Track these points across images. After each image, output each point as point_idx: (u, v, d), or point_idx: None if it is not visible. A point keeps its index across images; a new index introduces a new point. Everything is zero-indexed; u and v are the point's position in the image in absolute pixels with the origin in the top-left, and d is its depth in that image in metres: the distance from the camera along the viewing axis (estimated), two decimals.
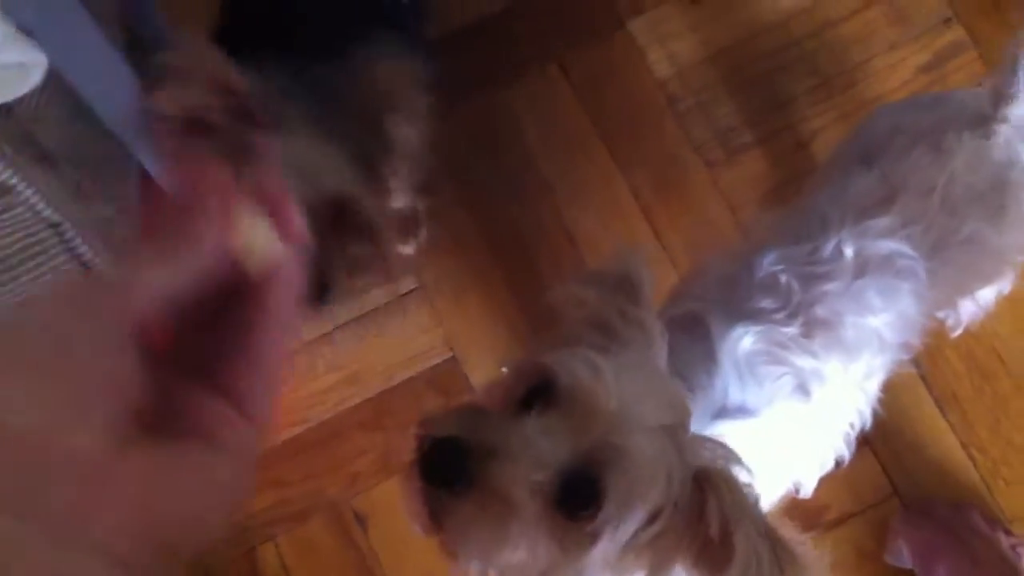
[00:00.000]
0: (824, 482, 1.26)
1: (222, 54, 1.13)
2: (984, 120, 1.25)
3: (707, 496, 0.85)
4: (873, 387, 1.24)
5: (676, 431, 0.89)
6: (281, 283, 0.53)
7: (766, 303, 1.15)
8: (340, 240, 1.25)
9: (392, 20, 1.39)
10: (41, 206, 1.03)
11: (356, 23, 1.30)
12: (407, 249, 1.81)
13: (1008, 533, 1.68)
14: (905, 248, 1.18)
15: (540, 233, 1.87)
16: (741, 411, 1.08)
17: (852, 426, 1.24)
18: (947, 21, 1.94)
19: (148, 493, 0.45)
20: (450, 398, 1.79)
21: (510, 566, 0.86)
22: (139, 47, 1.21)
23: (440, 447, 0.82)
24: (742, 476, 0.88)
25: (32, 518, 0.41)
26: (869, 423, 1.25)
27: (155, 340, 0.49)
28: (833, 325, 1.15)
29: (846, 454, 1.25)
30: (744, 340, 1.10)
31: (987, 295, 1.49)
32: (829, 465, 1.25)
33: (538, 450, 0.83)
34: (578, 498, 0.84)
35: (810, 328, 1.14)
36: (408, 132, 1.28)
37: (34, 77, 1.00)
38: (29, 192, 1.01)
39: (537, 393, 0.89)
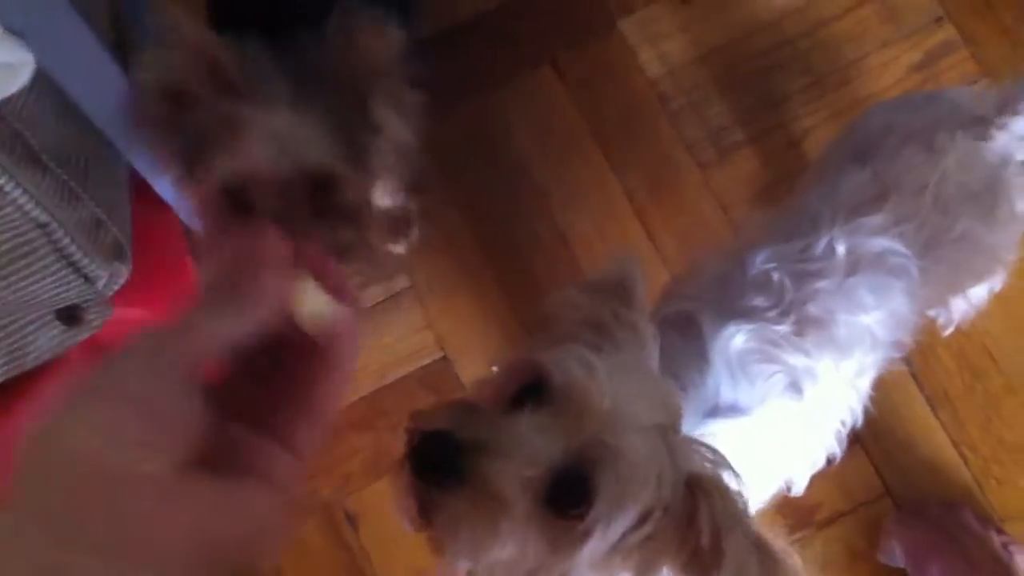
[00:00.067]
0: (816, 481, 1.26)
1: (204, 25, 1.13)
2: (980, 122, 1.25)
3: (698, 502, 0.84)
4: (865, 385, 1.24)
5: (668, 432, 0.89)
6: (340, 343, 0.60)
7: (758, 301, 1.15)
8: (324, 222, 1.24)
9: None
10: (29, 206, 1.02)
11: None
12: (399, 248, 1.81)
13: (1000, 532, 1.68)
14: (897, 246, 1.18)
15: (532, 233, 1.87)
16: (733, 410, 1.08)
17: (844, 424, 1.24)
18: (939, 20, 1.94)
19: (205, 518, 0.51)
20: (442, 398, 1.79)
21: (499, 564, 0.85)
22: (128, 47, 1.21)
23: (431, 441, 0.81)
24: (731, 482, 0.88)
25: (98, 536, 0.48)
26: (860, 421, 1.26)
27: (215, 380, 0.58)
28: (825, 323, 1.15)
29: (838, 452, 1.25)
30: (736, 338, 1.10)
31: (979, 293, 1.50)
32: (821, 463, 1.25)
33: (530, 447, 0.83)
34: (569, 496, 0.83)
35: (802, 326, 1.14)
36: (395, 104, 1.27)
37: (22, 77, 1.00)
38: (17, 192, 1.00)
39: (529, 391, 0.89)
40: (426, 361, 1.83)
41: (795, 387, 1.12)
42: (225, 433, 0.56)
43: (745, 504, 0.87)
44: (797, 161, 1.89)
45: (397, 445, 0.86)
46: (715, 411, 1.09)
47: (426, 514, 0.83)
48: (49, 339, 1.18)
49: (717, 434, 1.02)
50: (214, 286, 0.57)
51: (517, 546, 0.83)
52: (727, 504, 0.85)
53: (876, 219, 1.19)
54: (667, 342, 0.99)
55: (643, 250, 1.85)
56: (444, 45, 1.90)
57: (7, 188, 1.00)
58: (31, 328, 1.16)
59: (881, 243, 1.18)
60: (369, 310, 1.83)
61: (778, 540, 0.87)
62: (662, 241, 1.86)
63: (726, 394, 1.08)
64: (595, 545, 0.83)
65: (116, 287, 1.21)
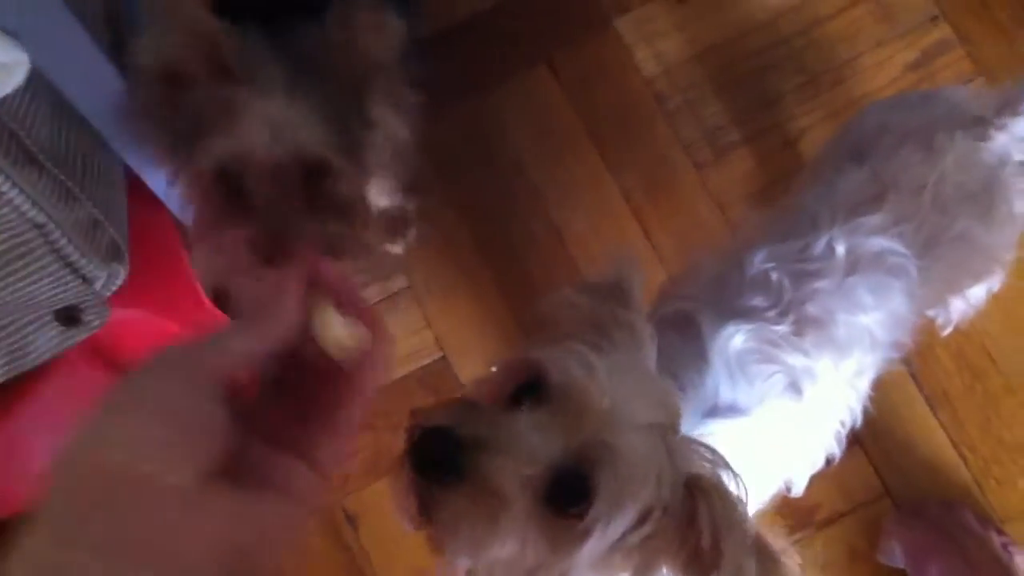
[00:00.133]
0: (815, 481, 1.26)
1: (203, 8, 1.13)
2: (979, 122, 1.25)
3: (698, 502, 0.84)
4: (864, 385, 1.24)
5: (666, 432, 0.89)
6: (363, 369, 0.64)
7: (757, 301, 1.15)
8: (316, 213, 1.24)
9: None
10: (26, 207, 1.02)
11: None
12: (396, 248, 1.81)
13: (1000, 532, 1.68)
14: (896, 245, 1.18)
15: (529, 232, 1.87)
16: (732, 410, 1.07)
17: (843, 424, 1.24)
18: (934, 19, 1.94)
19: (227, 528, 0.54)
20: (441, 398, 1.79)
21: (498, 562, 0.85)
22: (124, 47, 1.21)
23: (431, 437, 0.81)
24: (731, 483, 0.88)
25: (122, 545, 0.50)
26: (860, 421, 1.25)
27: (241, 397, 0.60)
28: (824, 323, 1.15)
29: (837, 452, 1.25)
30: (735, 338, 1.10)
31: (977, 293, 1.50)
32: (820, 463, 1.25)
33: (529, 445, 0.83)
34: (568, 495, 0.83)
35: (801, 326, 1.14)
36: (393, 101, 1.26)
37: (17, 77, 0.99)
38: (13, 193, 1.00)
39: (527, 389, 0.89)
40: (425, 361, 1.83)
41: (794, 387, 1.12)
42: (248, 447, 0.58)
43: (744, 505, 0.87)
44: (793, 161, 1.89)
45: (397, 445, 0.86)
46: (714, 411, 1.08)
47: (426, 511, 0.83)
48: (48, 340, 1.18)
49: (716, 434, 1.02)
50: (241, 310, 0.60)
51: (517, 544, 0.83)
52: (726, 505, 0.85)
53: (875, 219, 1.19)
54: (665, 342, 0.99)
55: (640, 249, 1.85)
56: (440, 45, 1.90)
57: (3, 189, 0.99)
58: (30, 329, 1.15)
59: (880, 243, 1.18)
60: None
61: (778, 540, 0.87)
62: (658, 240, 1.86)
63: (725, 394, 1.08)
64: (594, 544, 0.82)
65: (114, 288, 1.20)
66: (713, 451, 0.91)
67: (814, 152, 1.77)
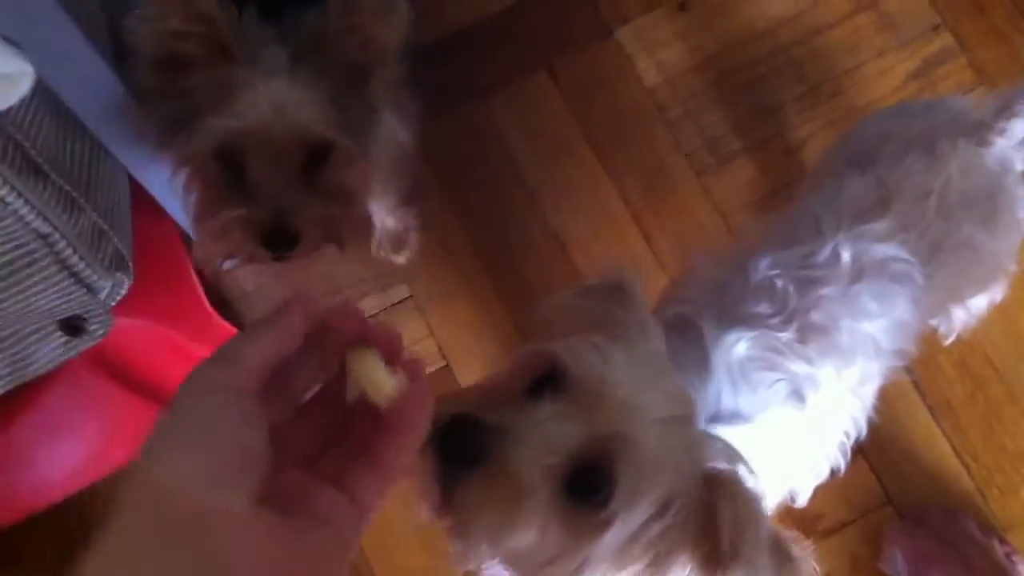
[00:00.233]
0: (818, 491, 1.26)
1: None
2: (979, 128, 1.26)
3: (716, 496, 0.85)
4: (869, 394, 1.24)
5: (683, 423, 0.89)
6: (406, 413, 0.64)
7: (761, 308, 1.15)
8: (319, 195, 1.24)
9: None
10: (31, 217, 1.02)
11: None
12: (400, 260, 1.81)
13: (1002, 541, 1.68)
14: (901, 252, 1.18)
15: (528, 238, 1.88)
16: (735, 417, 1.07)
17: (847, 434, 1.23)
18: (936, 28, 1.94)
19: (283, 554, 0.55)
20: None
21: (518, 550, 0.85)
22: (126, 57, 1.21)
23: (456, 423, 0.81)
24: (747, 477, 0.88)
25: (187, 565, 0.51)
26: (864, 431, 1.25)
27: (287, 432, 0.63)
28: (828, 330, 1.14)
29: (841, 463, 1.25)
30: (738, 346, 1.10)
31: (980, 303, 1.49)
32: (824, 474, 1.24)
33: (550, 435, 0.83)
34: (588, 485, 0.83)
35: (805, 333, 1.13)
36: (395, 82, 1.26)
37: (22, 88, 0.99)
38: (18, 203, 1.00)
39: (545, 381, 0.88)
40: (429, 370, 1.82)
41: (797, 395, 1.11)
42: (285, 473, 0.60)
43: (762, 500, 0.87)
44: (794, 169, 1.90)
45: None
46: (716, 418, 1.08)
47: (448, 498, 0.83)
48: (51, 349, 1.18)
49: None
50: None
51: (537, 533, 0.83)
52: (745, 499, 0.85)
53: (879, 225, 1.19)
54: (667, 346, 0.98)
55: (640, 255, 1.85)
56: (442, 51, 1.91)
57: (8, 199, 0.99)
58: (34, 338, 1.15)
59: (885, 250, 1.18)
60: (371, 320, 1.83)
61: (791, 536, 0.87)
62: (659, 246, 1.86)
63: (727, 401, 1.08)
64: (613, 535, 0.82)
65: (118, 297, 1.20)
66: (729, 446, 0.91)
67: (815, 161, 1.77)
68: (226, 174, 1.21)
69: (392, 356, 0.66)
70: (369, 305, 1.83)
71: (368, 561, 1.73)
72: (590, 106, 1.93)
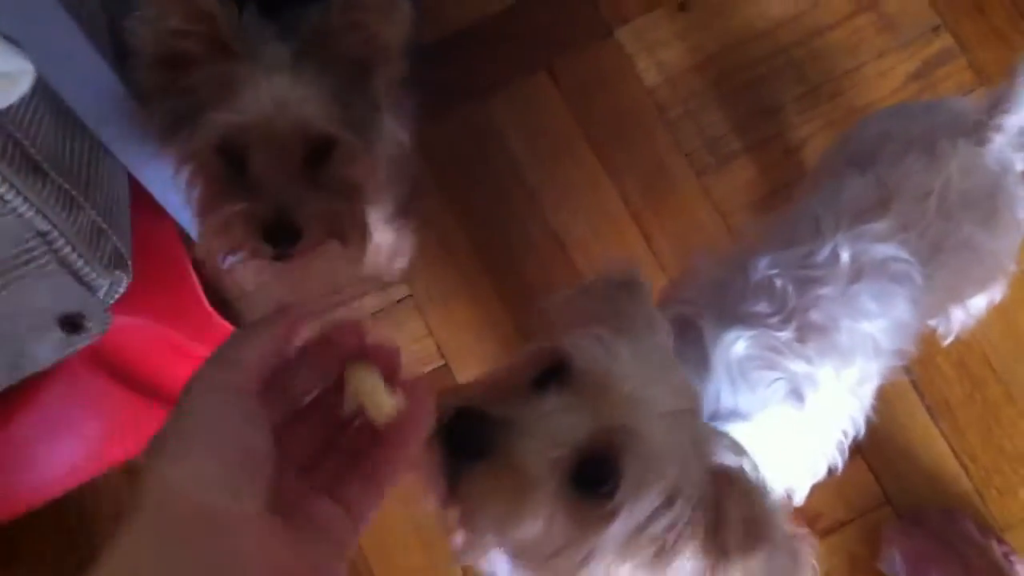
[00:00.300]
0: (816, 490, 1.26)
1: None
2: (978, 126, 1.26)
3: (724, 489, 0.86)
4: (867, 393, 1.24)
5: (689, 417, 0.90)
6: (404, 433, 0.66)
7: (760, 307, 1.15)
8: (321, 191, 1.24)
9: None
10: (30, 215, 1.02)
11: None
12: (398, 266, 1.80)
13: (1000, 541, 1.68)
14: (901, 252, 1.18)
15: (528, 238, 1.88)
16: (733, 415, 1.07)
17: (845, 434, 1.23)
18: (936, 29, 1.94)
19: (291, 558, 0.57)
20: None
21: (524, 542, 0.86)
22: (127, 57, 1.21)
23: (462, 416, 0.82)
24: (753, 471, 0.89)
25: (202, 567, 0.53)
26: (863, 431, 1.25)
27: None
28: (828, 330, 1.15)
29: (839, 462, 1.25)
30: (737, 344, 1.10)
31: (979, 303, 1.49)
32: (822, 473, 1.24)
33: (556, 427, 0.84)
34: (595, 478, 0.84)
35: (804, 333, 1.14)
36: (395, 72, 1.26)
37: (22, 86, 0.99)
38: (17, 201, 1.00)
39: (551, 374, 0.89)
40: (427, 369, 1.82)
41: (796, 394, 1.11)
42: (284, 481, 0.61)
43: (772, 495, 0.88)
44: (794, 170, 1.90)
45: None
46: (715, 416, 1.08)
47: (454, 490, 0.83)
48: (50, 346, 1.18)
49: None
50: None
51: (543, 524, 0.83)
52: (753, 494, 0.86)
53: (879, 225, 1.19)
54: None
55: (640, 256, 1.85)
56: (441, 50, 1.91)
57: (7, 197, 0.99)
58: (32, 336, 1.15)
59: (884, 250, 1.18)
60: (370, 318, 1.83)
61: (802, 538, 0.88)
62: (659, 246, 1.86)
63: (726, 400, 1.08)
64: (619, 527, 0.83)
65: (117, 295, 1.20)
66: (734, 441, 0.91)
67: (815, 161, 1.77)
68: (228, 169, 1.21)
69: (391, 373, 0.67)
70: (369, 304, 1.83)
71: (367, 560, 1.73)
72: (590, 106, 1.93)
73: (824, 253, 1.18)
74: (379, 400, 0.65)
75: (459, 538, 0.88)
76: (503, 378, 0.94)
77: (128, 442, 1.54)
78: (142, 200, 1.38)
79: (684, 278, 1.30)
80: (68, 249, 1.08)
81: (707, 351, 1.09)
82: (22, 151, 1.03)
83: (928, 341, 1.61)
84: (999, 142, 1.25)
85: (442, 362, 1.83)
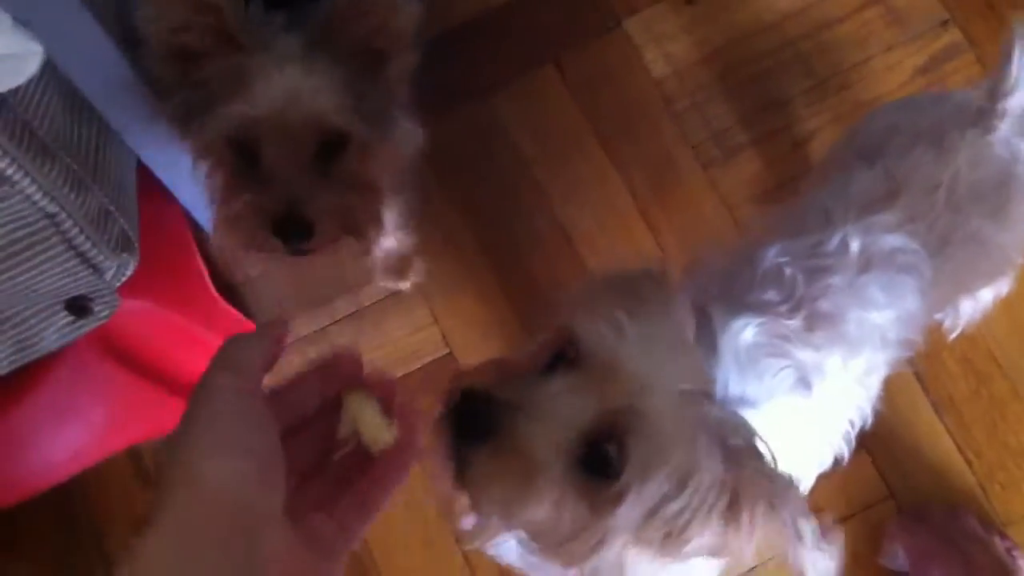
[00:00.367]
0: (820, 485, 1.26)
1: None
2: (983, 115, 1.25)
3: (738, 470, 0.86)
4: (875, 384, 1.24)
5: (699, 399, 0.90)
6: (396, 461, 0.69)
7: (769, 295, 1.15)
8: (335, 185, 1.24)
9: None
10: (38, 196, 1.02)
11: None
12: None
13: (1003, 537, 1.68)
14: (910, 243, 1.18)
15: (535, 231, 1.88)
16: (741, 402, 1.07)
17: (852, 424, 1.23)
18: (944, 23, 1.94)
19: (298, 555, 0.60)
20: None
21: (536, 525, 0.87)
22: (136, 42, 1.21)
23: (469, 399, 0.83)
24: (765, 452, 0.89)
25: (230, 564, 0.54)
26: (871, 421, 1.25)
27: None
28: (836, 319, 1.14)
29: (846, 453, 1.25)
30: (746, 331, 1.09)
31: (986, 296, 1.49)
32: (828, 462, 1.24)
33: (562, 409, 0.84)
34: (602, 460, 0.84)
35: (812, 321, 1.13)
36: (408, 62, 1.25)
37: (31, 67, 0.99)
38: (26, 182, 1.00)
39: (560, 358, 0.90)
40: (432, 358, 1.82)
41: (803, 382, 1.11)
42: (290, 494, 0.62)
43: (788, 475, 0.88)
44: (801, 163, 1.89)
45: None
46: (723, 403, 1.08)
47: (461, 473, 0.84)
48: (57, 329, 1.18)
49: None
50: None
51: (552, 506, 0.84)
52: (770, 473, 0.87)
53: (888, 216, 1.19)
54: None
55: (648, 250, 1.85)
56: (447, 43, 1.90)
57: (16, 177, 0.99)
58: (39, 318, 1.16)
59: (894, 240, 1.18)
60: (374, 306, 1.84)
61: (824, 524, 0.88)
62: (666, 240, 1.86)
63: (734, 387, 1.08)
64: (629, 509, 0.83)
65: (124, 278, 1.20)
66: (744, 420, 0.91)
67: (822, 155, 1.77)
68: (241, 162, 1.21)
69: (387, 402, 0.71)
70: (374, 288, 1.84)
71: (372, 555, 1.73)
72: (597, 99, 1.92)
73: (834, 242, 1.18)
74: (376, 430, 0.69)
75: (468, 522, 0.88)
76: (515, 362, 0.94)
77: (133, 427, 1.55)
78: (150, 186, 1.38)
79: (692, 268, 1.30)
80: (76, 231, 1.08)
81: (715, 338, 1.09)
82: (30, 132, 1.03)
83: (933, 337, 1.61)
84: (1005, 127, 1.25)
85: (446, 350, 1.82)
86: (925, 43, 1.93)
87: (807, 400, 1.12)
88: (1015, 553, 1.64)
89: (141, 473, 1.74)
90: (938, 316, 1.54)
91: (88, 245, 1.11)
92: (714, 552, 0.87)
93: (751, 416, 1.03)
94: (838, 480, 1.60)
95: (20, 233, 1.04)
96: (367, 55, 1.20)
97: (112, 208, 1.17)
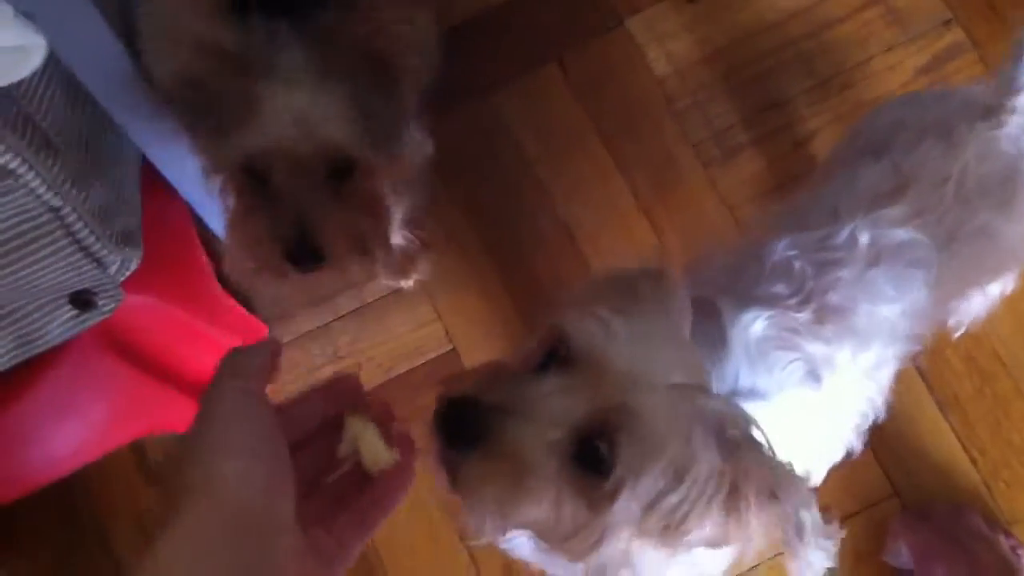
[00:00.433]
0: (825, 482, 1.26)
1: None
2: (992, 110, 1.25)
3: (738, 463, 0.85)
4: (885, 378, 1.24)
5: (693, 392, 0.89)
6: (393, 484, 0.73)
7: (779, 288, 1.15)
8: (344, 208, 1.24)
9: None
10: (42, 190, 1.02)
11: None
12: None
13: (1008, 535, 1.68)
14: (919, 237, 1.18)
15: (537, 230, 1.88)
16: (751, 395, 1.07)
17: (863, 417, 1.23)
18: (947, 23, 1.94)
19: (306, 562, 0.61)
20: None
21: (536, 523, 0.87)
22: (136, 35, 1.21)
23: (455, 406, 0.83)
24: (764, 443, 0.88)
25: (245, 567, 0.56)
26: (882, 414, 1.25)
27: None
28: (846, 312, 1.14)
29: (857, 446, 1.25)
30: (755, 324, 1.09)
31: (992, 291, 1.49)
32: (839, 456, 1.24)
33: (552, 409, 0.84)
34: (595, 457, 0.84)
35: (822, 314, 1.13)
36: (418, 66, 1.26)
37: (34, 61, 0.99)
38: (30, 176, 1.00)
39: (552, 357, 0.90)
40: (435, 354, 1.82)
41: (813, 375, 1.11)
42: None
43: (783, 463, 0.87)
44: (802, 163, 1.89)
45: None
46: (733, 396, 1.08)
47: (454, 479, 0.85)
48: (61, 323, 1.18)
49: None
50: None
51: (549, 505, 0.84)
52: (769, 462, 0.86)
53: (897, 210, 1.19)
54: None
55: (649, 247, 1.84)
56: (450, 42, 1.90)
57: (20, 171, 0.99)
58: (43, 312, 1.15)
59: (902, 234, 1.17)
60: (378, 303, 1.83)
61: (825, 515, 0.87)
62: (667, 238, 1.86)
63: (744, 380, 1.08)
64: (624, 504, 0.83)
65: (127, 272, 1.21)
66: (744, 412, 0.91)
67: (824, 154, 1.77)
68: (253, 182, 1.22)
69: (385, 427, 0.74)
70: (377, 285, 1.84)
71: (379, 555, 1.73)
72: (600, 98, 1.92)
73: (843, 236, 1.18)
74: (376, 452, 0.72)
75: (466, 524, 0.89)
76: (506, 364, 0.94)
77: (136, 422, 1.54)
78: (154, 181, 1.38)
79: (697, 264, 1.30)
80: (80, 225, 1.08)
81: (725, 331, 1.09)
82: (34, 126, 1.03)
83: (938, 335, 1.60)
84: (1015, 123, 1.25)
85: (450, 347, 1.82)
86: (927, 43, 1.93)
87: (817, 393, 1.12)
88: (1019, 551, 1.64)
89: (144, 468, 1.73)
90: (946, 311, 1.54)
91: (92, 239, 1.11)
92: (716, 543, 0.87)
93: (761, 409, 1.03)
94: (842, 478, 1.59)
95: (24, 227, 1.04)
96: (378, 67, 1.20)
97: (115, 202, 1.17)
